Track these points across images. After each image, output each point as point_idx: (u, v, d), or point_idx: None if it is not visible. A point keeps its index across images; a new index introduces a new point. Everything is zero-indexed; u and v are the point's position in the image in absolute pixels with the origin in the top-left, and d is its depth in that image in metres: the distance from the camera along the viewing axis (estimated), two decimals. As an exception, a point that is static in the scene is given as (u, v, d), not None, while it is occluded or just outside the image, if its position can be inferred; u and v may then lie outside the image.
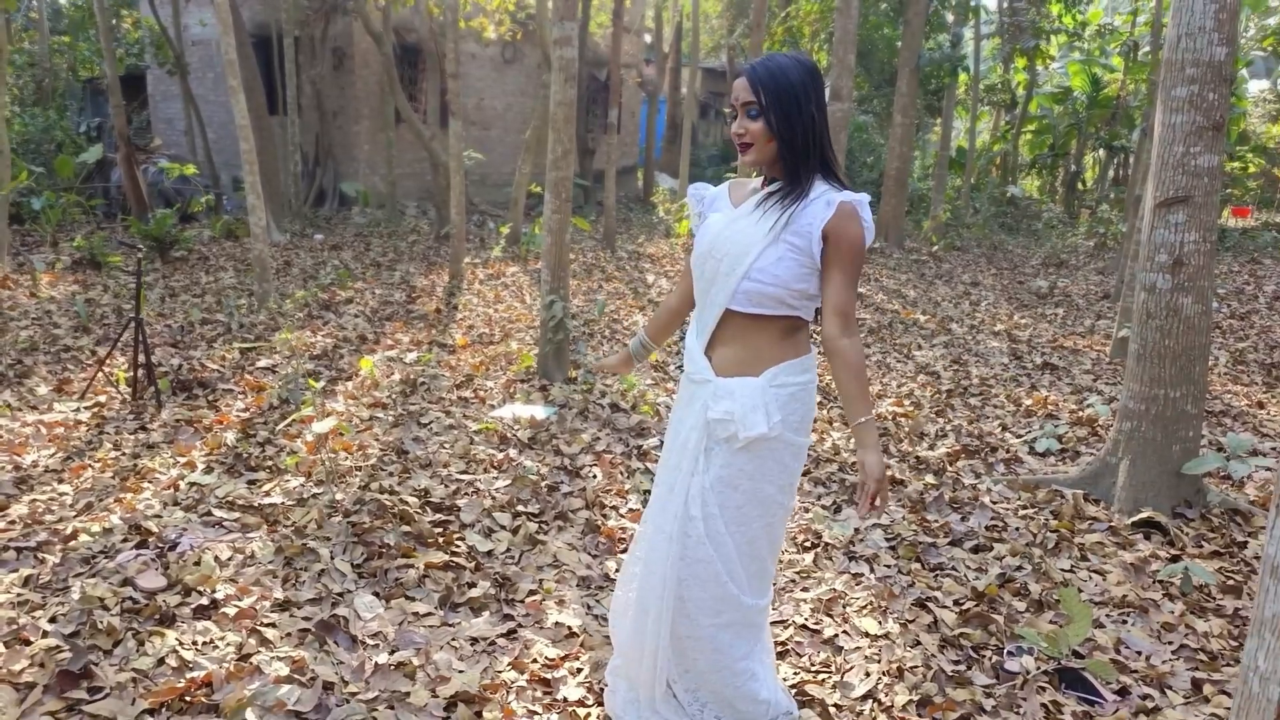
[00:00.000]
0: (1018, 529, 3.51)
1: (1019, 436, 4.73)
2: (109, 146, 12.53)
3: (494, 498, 3.61)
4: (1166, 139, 3.38)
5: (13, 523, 3.21)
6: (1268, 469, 4.17)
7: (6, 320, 6.29)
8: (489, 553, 3.16)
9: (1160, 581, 3.06)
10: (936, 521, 3.57)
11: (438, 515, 3.43)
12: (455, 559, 3.07)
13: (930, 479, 4.04)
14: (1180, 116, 3.33)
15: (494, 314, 7.51)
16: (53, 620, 2.51)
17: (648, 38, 19.62)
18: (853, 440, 1.88)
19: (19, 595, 2.66)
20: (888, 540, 3.41)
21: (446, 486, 3.72)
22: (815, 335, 2.04)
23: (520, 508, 3.54)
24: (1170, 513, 3.50)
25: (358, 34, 12.89)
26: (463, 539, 3.24)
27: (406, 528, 3.25)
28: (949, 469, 4.20)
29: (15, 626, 2.45)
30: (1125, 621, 2.82)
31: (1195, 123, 3.30)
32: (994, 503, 3.78)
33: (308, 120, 13.47)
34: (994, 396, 5.50)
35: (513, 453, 4.16)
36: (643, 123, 19.41)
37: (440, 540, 3.18)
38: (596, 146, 16.47)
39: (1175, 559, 3.20)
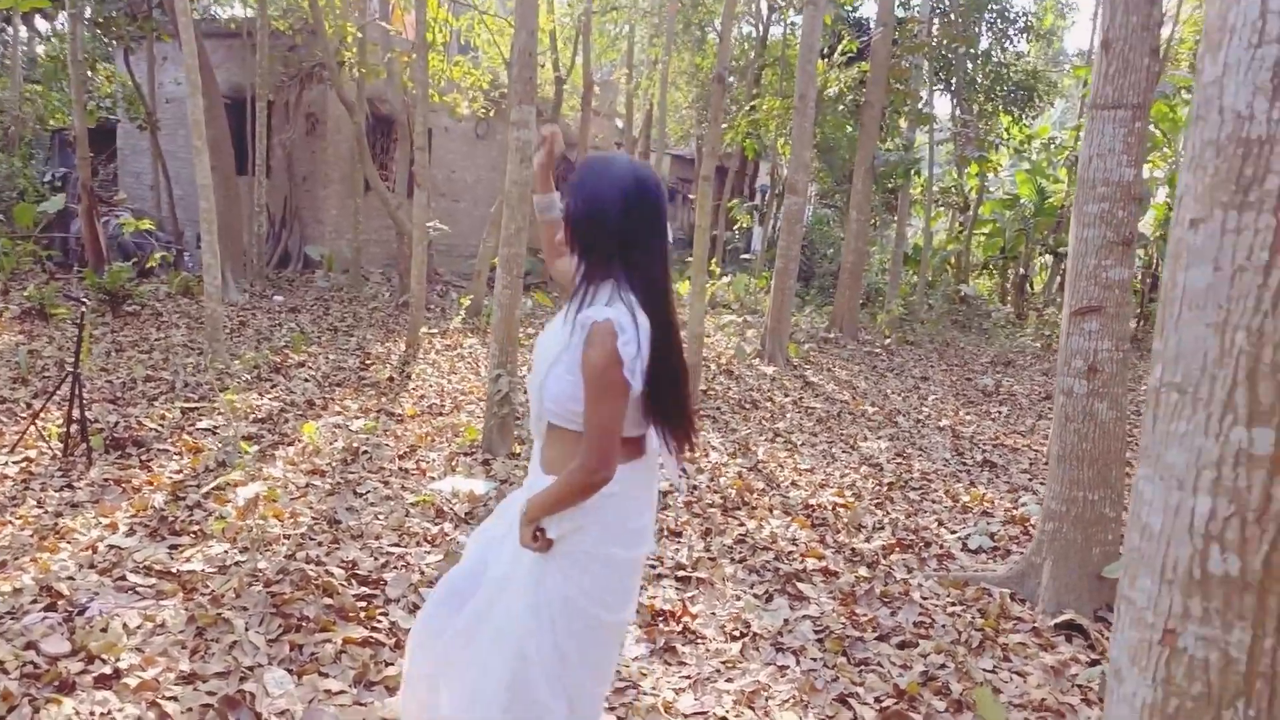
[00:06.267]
0: (944, 626, 3.54)
1: (953, 532, 4.80)
2: (72, 197, 12.46)
3: (423, 572, 3.56)
4: (1080, 251, 3.58)
5: (-84, 580, 3.09)
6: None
7: (-59, 367, 6.14)
8: (410, 630, 3.10)
9: (1079, 685, 3.10)
10: (866, 615, 3.59)
11: (363, 589, 3.37)
12: (375, 635, 3.01)
13: (864, 571, 4.08)
14: (1092, 231, 3.54)
15: (447, 385, 7.50)
16: (-58, 686, 2.40)
17: (619, 123, 20.22)
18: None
19: (-89, 657, 2.55)
20: (816, 632, 3.41)
21: (375, 559, 3.66)
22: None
23: (449, 584, 3.49)
24: (1092, 615, 3.57)
25: (332, 102, 13.11)
26: (385, 614, 3.18)
27: (329, 600, 3.19)
28: (883, 562, 4.24)
29: (-100, 691, 2.34)
30: (1041, 724, 2.85)
31: (1106, 238, 3.50)
32: (924, 598, 3.82)
33: (277, 182, 13.55)
34: (933, 491, 5.59)
35: (448, 527, 4.12)
36: (611, 203, 19.78)
37: (363, 615, 3.12)
38: (563, 224, 16.75)
39: (1095, 663, 3.25)
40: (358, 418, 6.07)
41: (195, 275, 11.07)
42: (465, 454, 5.32)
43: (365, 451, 5.22)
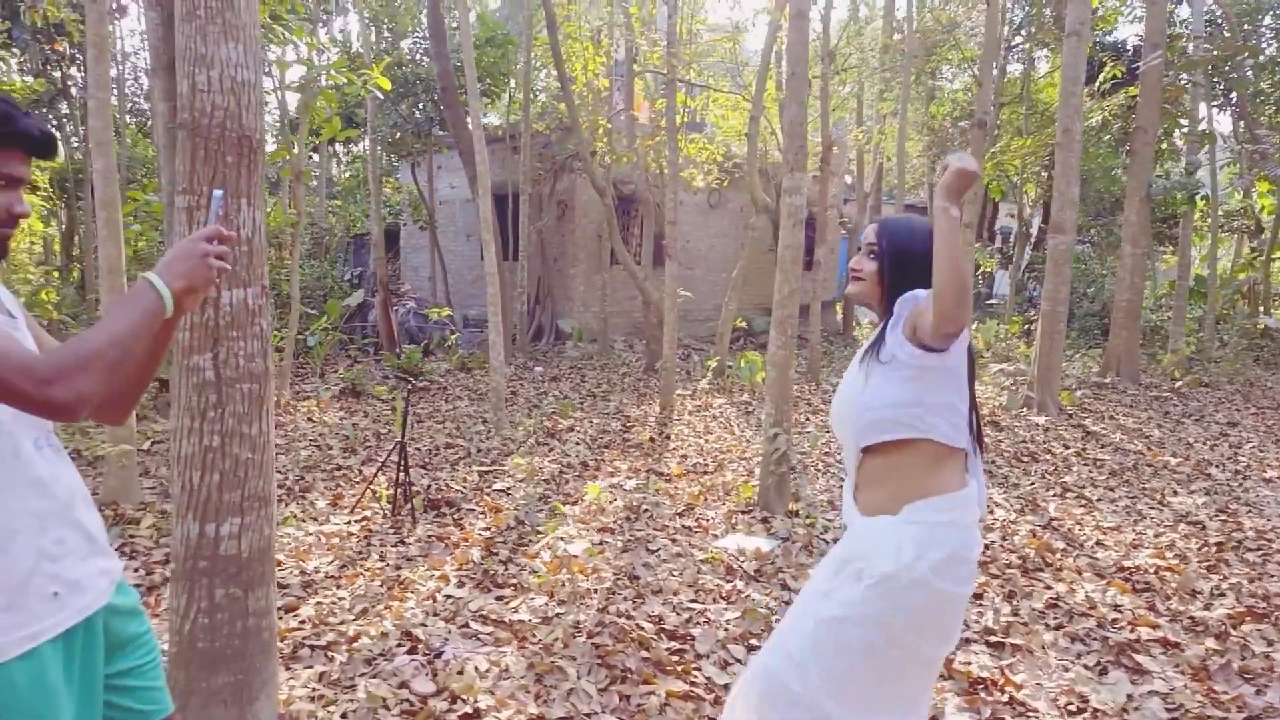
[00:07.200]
0: (1334, 710, 3.02)
1: (1317, 601, 4.12)
2: (368, 291, 14.36)
3: (726, 629, 3.61)
4: None
5: (303, 623, 3.61)
6: None
7: (291, 441, 7.22)
8: (725, 686, 3.15)
9: None
10: (1227, 693, 3.15)
11: (672, 643, 3.47)
12: (694, 689, 3.08)
13: (1212, 643, 3.59)
14: None
15: (705, 444, 7.66)
16: (344, 716, 2.76)
17: (849, 179, 20.07)
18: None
19: (314, 690, 2.96)
20: (1169, 710, 3.04)
21: (678, 614, 3.77)
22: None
23: (753, 641, 3.51)
24: None
25: (580, 188, 14.20)
26: (699, 669, 3.25)
27: (645, 653, 3.32)
28: (1233, 633, 3.72)
29: (314, 719, 2.72)
30: None
31: None
32: (1297, 676, 3.29)
33: (531, 264, 14.80)
34: (1277, 554, 4.85)
35: (740, 584, 4.17)
36: (842, 258, 19.61)
37: (679, 669, 3.22)
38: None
39: None
40: (630, 477, 6.34)
41: (469, 352, 12.28)
42: (742, 511, 5.38)
43: (646, 510, 5.43)
